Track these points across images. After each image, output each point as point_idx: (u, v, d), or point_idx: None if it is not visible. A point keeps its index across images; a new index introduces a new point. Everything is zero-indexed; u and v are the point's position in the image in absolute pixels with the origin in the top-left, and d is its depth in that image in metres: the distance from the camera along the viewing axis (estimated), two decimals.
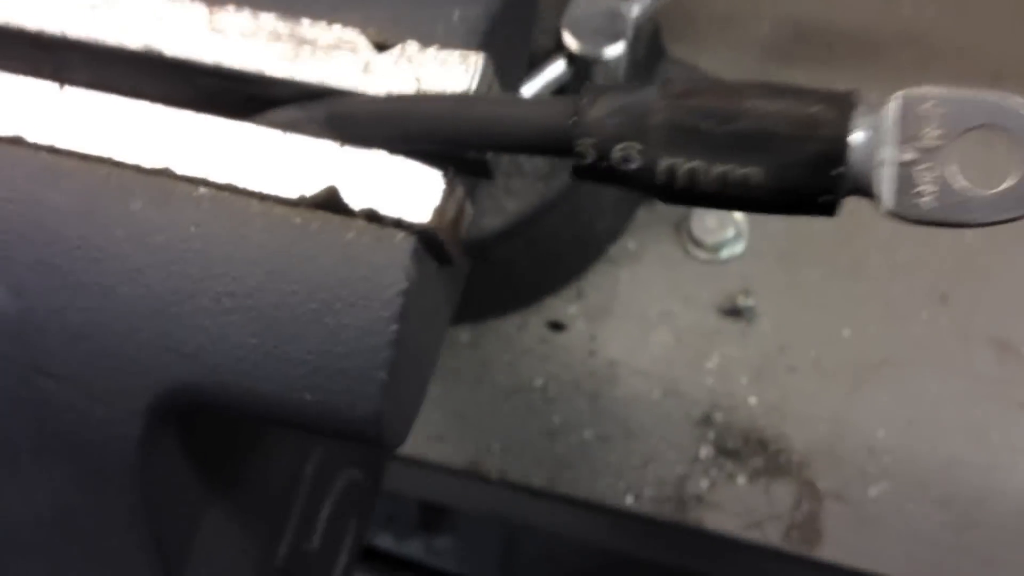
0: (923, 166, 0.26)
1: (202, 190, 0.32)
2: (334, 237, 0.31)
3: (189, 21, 0.34)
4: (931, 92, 0.26)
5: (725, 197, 0.26)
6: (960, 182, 0.26)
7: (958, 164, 0.26)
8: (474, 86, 0.31)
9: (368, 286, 0.31)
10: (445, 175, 0.31)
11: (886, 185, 0.26)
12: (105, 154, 0.32)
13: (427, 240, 0.31)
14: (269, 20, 0.33)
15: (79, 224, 0.32)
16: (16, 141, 0.33)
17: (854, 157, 0.26)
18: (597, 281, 0.69)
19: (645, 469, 0.64)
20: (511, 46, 0.36)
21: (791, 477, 0.62)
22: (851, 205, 0.27)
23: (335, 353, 0.31)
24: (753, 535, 0.61)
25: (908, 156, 0.26)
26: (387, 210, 0.31)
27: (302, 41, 0.33)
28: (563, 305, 0.69)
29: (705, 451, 0.64)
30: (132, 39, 0.34)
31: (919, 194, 0.26)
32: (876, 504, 0.61)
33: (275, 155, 0.32)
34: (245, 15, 0.34)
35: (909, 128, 0.26)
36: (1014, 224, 0.26)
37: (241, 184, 0.32)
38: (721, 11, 0.75)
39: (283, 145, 0.32)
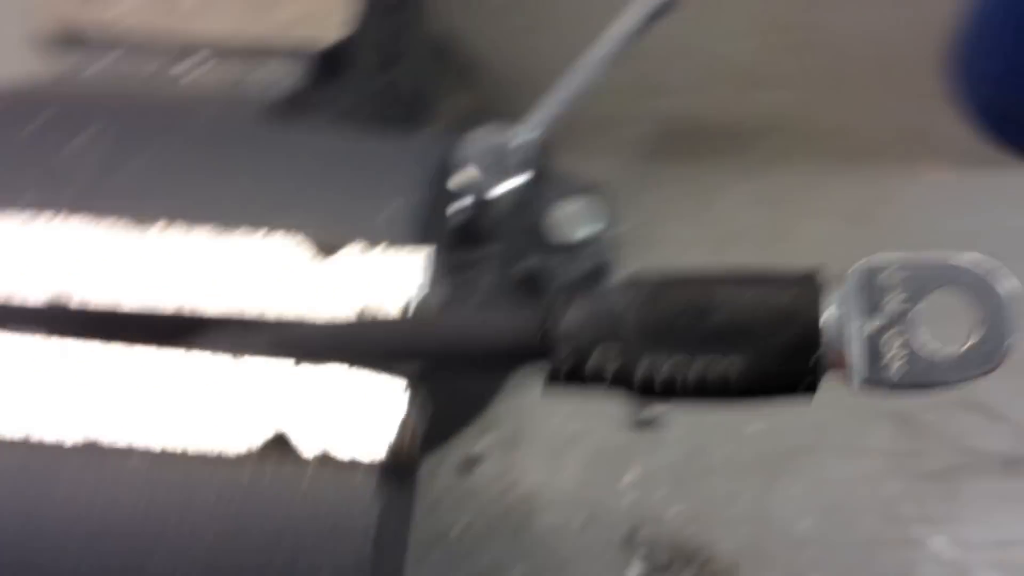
0: (889, 334, 0.27)
1: (134, 462, 0.30)
2: (289, 493, 0.29)
3: (104, 255, 0.32)
4: (888, 259, 0.27)
5: (706, 389, 0.26)
6: (927, 345, 0.27)
7: (923, 327, 0.27)
8: (426, 283, 0.31)
9: (334, 537, 0.29)
10: (405, 391, 0.30)
11: (856, 358, 0.27)
12: (18, 436, 0.30)
13: (389, 469, 0.30)
14: (201, 237, 0.32)
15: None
16: None
17: (827, 337, 0.26)
18: (505, 409, 0.68)
19: None
20: (441, 230, 0.36)
21: None
22: None
23: None
24: None
25: (875, 325, 0.27)
26: (342, 450, 0.30)
27: (237, 259, 0.32)
28: (472, 441, 0.68)
29: (635, 571, 0.64)
30: (37, 292, 0.32)
31: (889, 362, 0.27)
32: None
33: (212, 399, 0.30)
34: (171, 237, 0.32)
35: (872, 298, 0.27)
36: None
37: (176, 448, 0.30)
38: (595, 116, 0.76)
39: (220, 385, 0.30)
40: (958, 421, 0.66)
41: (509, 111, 0.66)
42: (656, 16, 0.57)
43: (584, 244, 0.67)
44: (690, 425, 0.67)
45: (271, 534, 0.29)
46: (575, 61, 0.65)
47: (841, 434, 0.66)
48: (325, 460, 0.29)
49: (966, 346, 0.27)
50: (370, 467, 0.29)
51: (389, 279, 0.31)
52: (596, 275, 0.70)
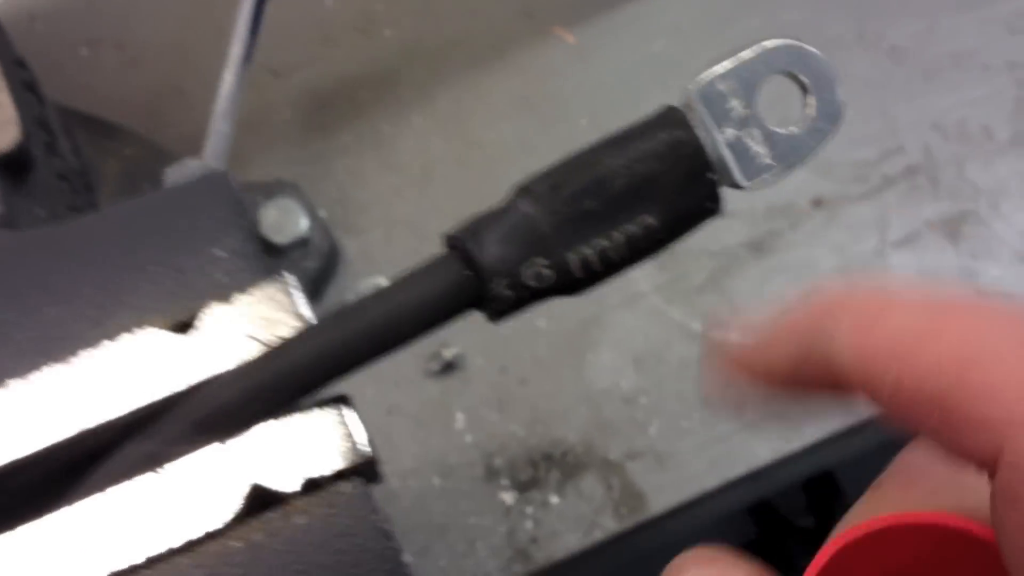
0: (743, 133, 0.29)
1: None
2: (287, 535, 0.28)
3: None
4: (712, 72, 0.29)
5: (635, 255, 0.27)
6: (779, 131, 0.29)
7: (766, 117, 0.29)
8: (304, 306, 0.30)
9: (352, 559, 0.28)
10: (341, 406, 0.29)
11: (732, 164, 0.29)
12: None
13: (365, 473, 0.29)
14: (51, 373, 0.29)
15: None
16: None
17: (709, 155, 0.28)
18: None
19: (474, 549, 0.64)
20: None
21: (588, 468, 0.65)
22: None
23: None
24: (597, 535, 0.63)
25: (732, 132, 0.29)
26: (319, 470, 0.29)
27: (99, 370, 0.29)
28: None
29: (508, 497, 0.65)
30: None
31: (757, 157, 0.29)
32: (661, 439, 0.65)
33: (165, 500, 0.28)
34: (17, 387, 0.29)
35: (716, 110, 0.29)
36: None
37: (156, 552, 0.28)
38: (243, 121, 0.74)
39: (165, 485, 0.28)
40: None
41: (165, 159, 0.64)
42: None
43: (301, 239, 0.66)
44: (484, 352, 0.68)
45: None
46: (216, 91, 0.63)
47: (616, 292, 0.70)
48: (310, 486, 0.28)
49: (809, 114, 0.29)
50: (353, 472, 0.29)
51: (265, 319, 0.30)
52: (330, 260, 0.69)
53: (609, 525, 0.64)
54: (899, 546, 0.20)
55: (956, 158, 0.72)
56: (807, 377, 0.22)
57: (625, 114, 0.76)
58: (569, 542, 0.63)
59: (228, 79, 0.51)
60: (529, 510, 0.64)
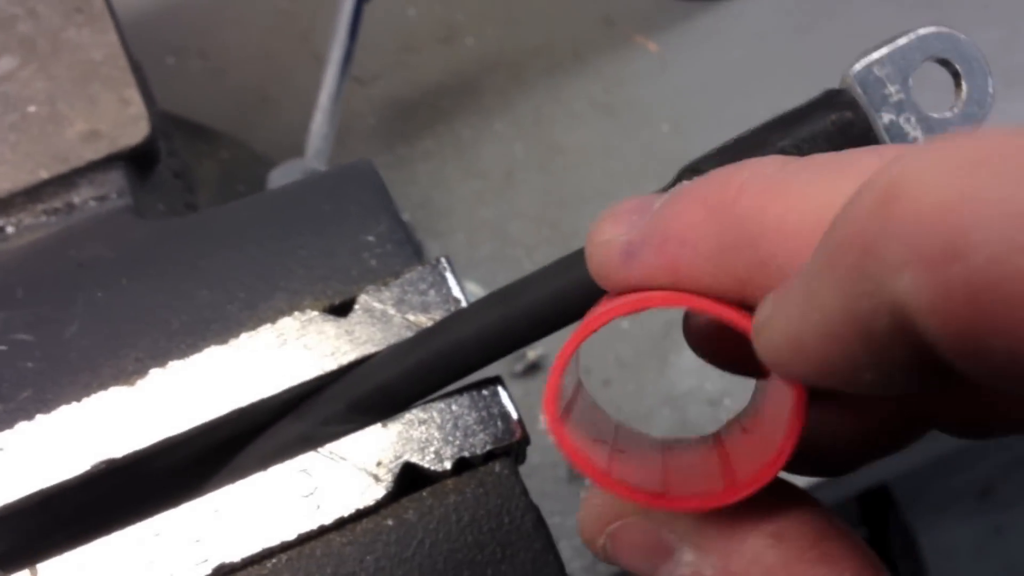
0: (901, 119, 0.29)
1: (272, 561, 0.28)
2: (438, 514, 0.28)
3: (123, 409, 0.29)
4: (868, 60, 0.29)
5: None
6: (932, 116, 0.29)
7: (920, 104, 0.29)
8: (457, 289, 0.30)
9: (503, 537, 0.28)
10: (493, 387, 0.30)
11: None
12: None
13: (515, 453, 0.30)
14: (210, 354, 0.29)
15: None
16: None
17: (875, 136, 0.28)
18: None
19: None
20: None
21: None
22: None
23: None
24: None
25: (888, 118, 0.29)
26: (471, 450, 0.29)
27: (254, 351, 0.29)
28: None
29: None
30: (73, 466, 0.28)
31: (913, 141, 0.29)
32: None
33: (319, 477, 0.29)
34: (178, 367, 0.29)
35: (874, 95, 0.29)
36: None
37: (307, 528, 0.28)
38: None
39: (322, 462, 0.29)
40: None
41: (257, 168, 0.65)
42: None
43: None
44: None
45: (437, 563, 0.28)
46: (302, 97, 0.64)
47: None
48: (461, 466, 0.28)
49: (961, 100, 0.29)
50: (504, 453, 0.29)
51: (417, 302, 0.30)
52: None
53: None
54: None
55: None
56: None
57: (706, 120, 0.76)
58: None
59: (329, 81, 0.52)
60: None
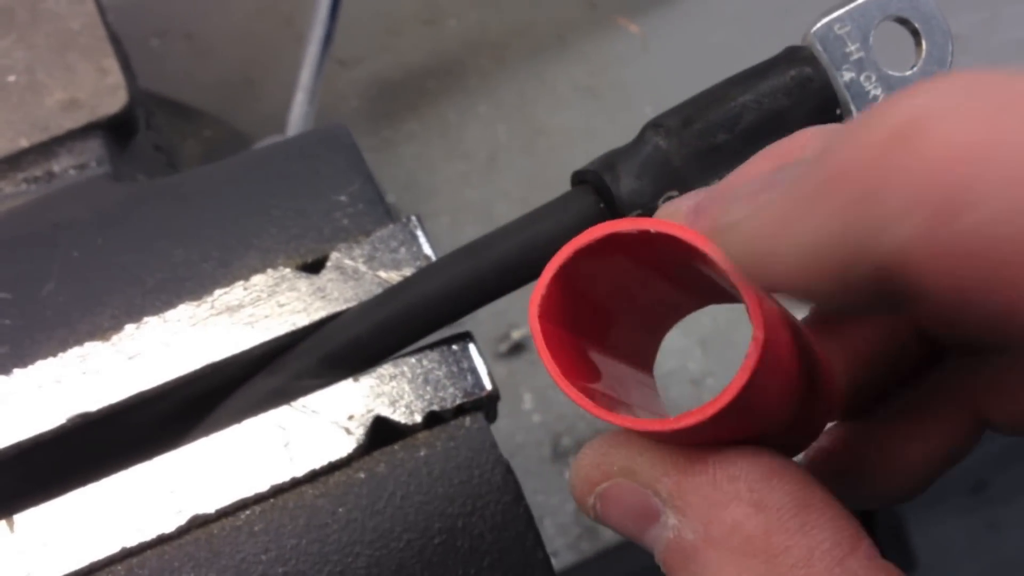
0: (862, 76, 0.29)
1: (246, 513, 0.28)
2: (409, 467, 0.29)
3: (98, 364, 0.29)
4: (831, 17, 0.30)
5: None
6: (892, 73, 0.30)
7: (880, 61, 0.30)
8: (427, 247, 0.30)
9: (473, 490, 0.29)
10: (464, 343, 0.30)
11: (851, 105, 0.29)
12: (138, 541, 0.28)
13: (486, 407, 0.30)
14: (184, 311, 0.30)
15: None
16: None
17: (835, 92, 0.28)
18: None
19: (542, 527, 0.64)
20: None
21: None
22: None
23: (489, 564, 0.29)
24: None
25: (848, 76, 0.29)
26: (441, 404, 0.29)
27: (228, 307, 0.30)
28: None
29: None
30: (49, 419, 0.29)
31: (873, 100, 0.29)
32: None
33: (292, 431, 0.29)
34: (153, 323, 0.30)
35: (834, 53, 0.29)
36: None
37: (280, 480, 0.29)
38: None
39: (295, 416, 0.29)
40: None
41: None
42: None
43: None
44: None
45: (411, 519, 0.28)
46: (286, 78, 0.64)
47: None
48: (432, 420, 0.29)
49: (922, 58, 0.30)
50: (474, 407, 0.29)
51: (388, 259, 0.30)
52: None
53: None
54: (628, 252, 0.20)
55: None
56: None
57: None
58: None
59: (310, 59, 0.52)
60: None
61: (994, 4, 0.77)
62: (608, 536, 0.64)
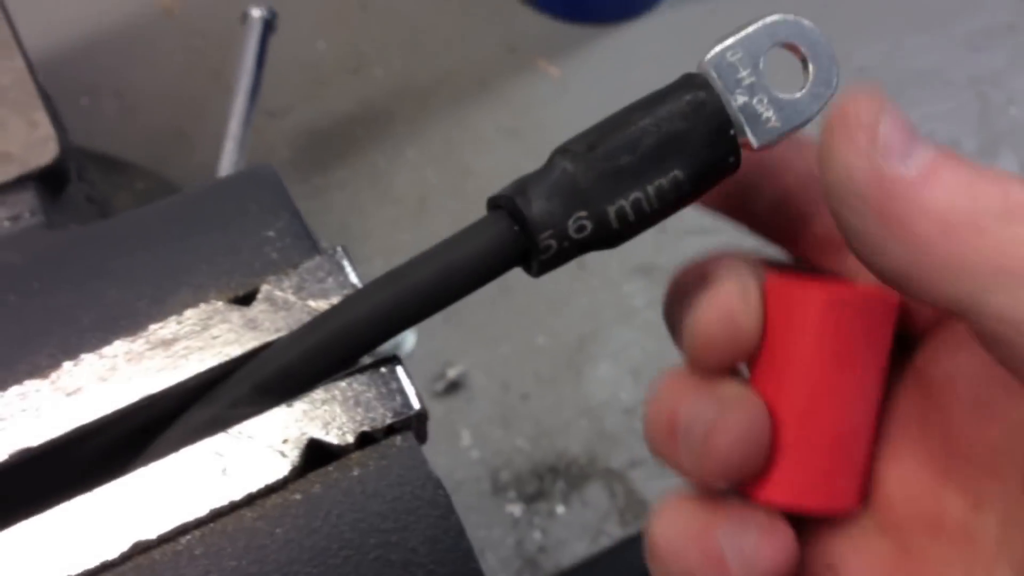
0: (754, 100, 0.32)
1: (187, 537, 0.29)
2: (344, 486, 0.30)
3: (38, 401, 0.30)
4: (723, 45, 0.32)
5: (665, 208, 0.30)
6: (782, 96, 0.32)
7: (770, 85, 0.32)
8: (354, 276, 0.32)
9: (405, 505, 0.30)
10: (392, 366, 0.31)
11: (745, 128, 0.31)
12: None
13: (415, 426, 0.31)
14: (120, 346, 0.31)
15: None
16: None
17: (729, 115, 0.30)
18: None
19: (484, 561, 0.65)
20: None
21: (592, 478, 0.67)
22: None
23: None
24: (603, 542, 0.65)
25: (742, 100, 0.31)
26: (372, 425, 0.30)
27: (165, 342, 0.31)
28: None
29: (515, 509, 0.66)
30: None
31: (764, 121, 0.31)
32: None
33: (229, 457, 0.30)
34: (90, 359, 0.31)
35: (728, 79, 0.31)
36: None
37: (219, 505, 0.30)
38: None
39: (232, 443, 0.30)
40: None
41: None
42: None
43: None
44: (487, 370, 0.70)
45: (346, 535, 0.29)
46: (216, 131, 0.65)
47: (611, 307, 0.72)
48: (363, 440, 0.30)
49: (809, 80, 0.32)
50: (404, 426, 0.30)
51: (318, 291, 0.32)
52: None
53: (615, 532, 0.65)
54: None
55: None
56: None
57: None
58: (576, 550, 0.65)
59: (238, 109, 0.54)
60: (536, 521, 0.66)
61: (897, 35, 0.81)
62: (549, 567, 0.65)
